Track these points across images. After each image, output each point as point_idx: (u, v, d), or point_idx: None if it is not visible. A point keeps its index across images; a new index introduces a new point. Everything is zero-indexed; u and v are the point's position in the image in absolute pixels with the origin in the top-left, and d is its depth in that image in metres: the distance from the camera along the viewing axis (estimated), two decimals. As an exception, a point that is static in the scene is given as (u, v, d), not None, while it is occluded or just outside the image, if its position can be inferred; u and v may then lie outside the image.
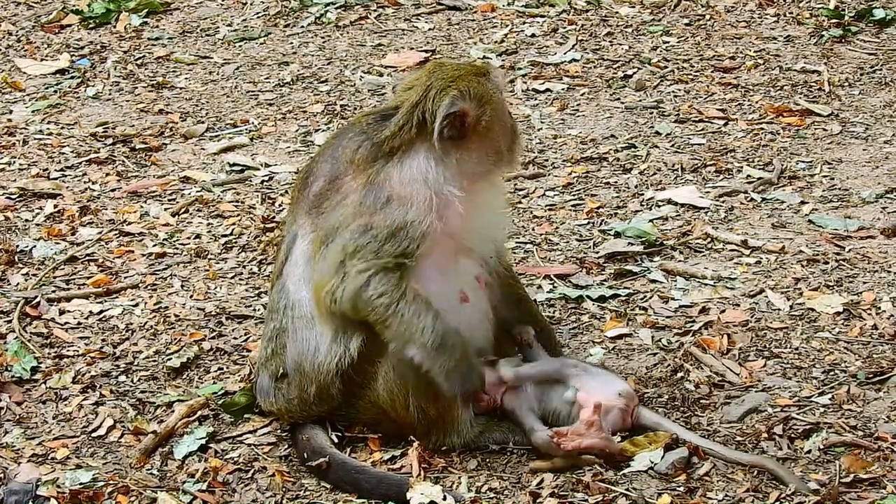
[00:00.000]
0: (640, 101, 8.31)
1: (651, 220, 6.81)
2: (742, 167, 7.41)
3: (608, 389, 5.13)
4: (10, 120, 8.33)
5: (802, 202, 7.02)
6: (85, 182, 7.50)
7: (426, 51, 9.07)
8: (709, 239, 6.66)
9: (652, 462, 4.97)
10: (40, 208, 7.18)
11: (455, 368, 4.96)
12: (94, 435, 5.35)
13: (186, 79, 8.88)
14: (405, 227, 4.92)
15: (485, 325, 5.27)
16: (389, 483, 4.94)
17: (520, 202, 7.11)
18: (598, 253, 6.57)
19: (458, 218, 5.01)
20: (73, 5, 10.01)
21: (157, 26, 9.75)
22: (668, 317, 6.01)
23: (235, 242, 6.78)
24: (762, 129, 7.89)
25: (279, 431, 5.29)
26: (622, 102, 8.30)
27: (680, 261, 6.49)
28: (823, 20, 9.35)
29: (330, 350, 5.04)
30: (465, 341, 5.03)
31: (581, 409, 5.06)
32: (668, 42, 9.13)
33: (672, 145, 7.72)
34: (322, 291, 4.98)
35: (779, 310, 6.02)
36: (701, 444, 5.05)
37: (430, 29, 9.45)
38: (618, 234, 6.70)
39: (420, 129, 4.99)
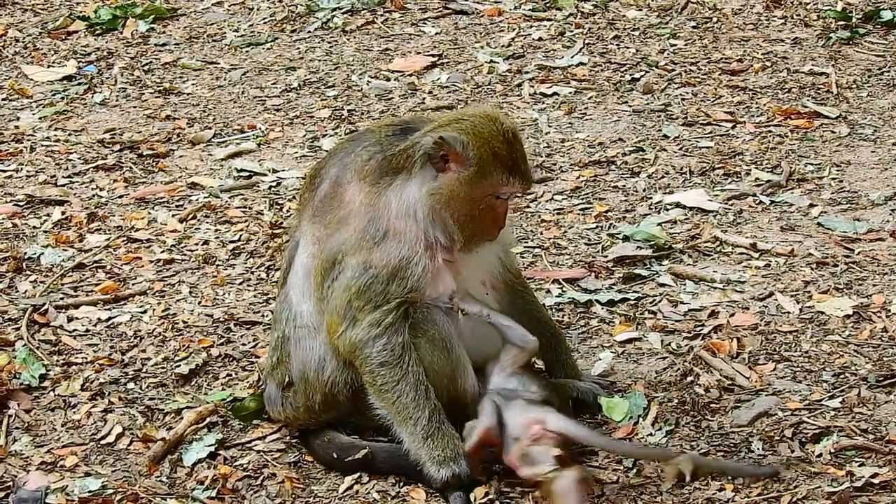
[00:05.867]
0: (648, 104, 8.30)
1: (659, 224, 6.79)
2: (750, 170, 7.39)
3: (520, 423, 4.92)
4: (17, 127, 8.33)
5: (811, 205, 7.00)
6: (92, 189, 7.49)
7: (433, 55, 9.06)
8: (717, 242, 6.65)
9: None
10: (48, 215, 7.17)
11: (443, 456, 4.89)
12: (102, 442, 5.34)
13: (193, 84, 8.88)
14: (403, 265, 4.88)
15: (490, 329, 5.24)
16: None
17: (528, 206, 7.10)
18: (606, 257, 6.55)
19: (448, 259, 4.97)
20: (80, 12, 10.01)
21: (164, 32, 9.75)
22: (677, 321, 6.00)
23: (243, 248, 6.78)
24: (770, 131, 7.87)
25: (288, 438, 5.28)
26: (630, 106, 8.29)
27: (689, 264, 6.47)
28: (831, 22, 9.33)
29: (341, 368, 5.03)
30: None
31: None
32: (675, 45, 9.12)
33: (680, 148, 7.70)
34: (334, 335, 4.96)
35: (788, 313, 6.00)
36: (602, 444, 5.02)
37: (436, 33, 9.45)
38: (626, 238, 6.69)
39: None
